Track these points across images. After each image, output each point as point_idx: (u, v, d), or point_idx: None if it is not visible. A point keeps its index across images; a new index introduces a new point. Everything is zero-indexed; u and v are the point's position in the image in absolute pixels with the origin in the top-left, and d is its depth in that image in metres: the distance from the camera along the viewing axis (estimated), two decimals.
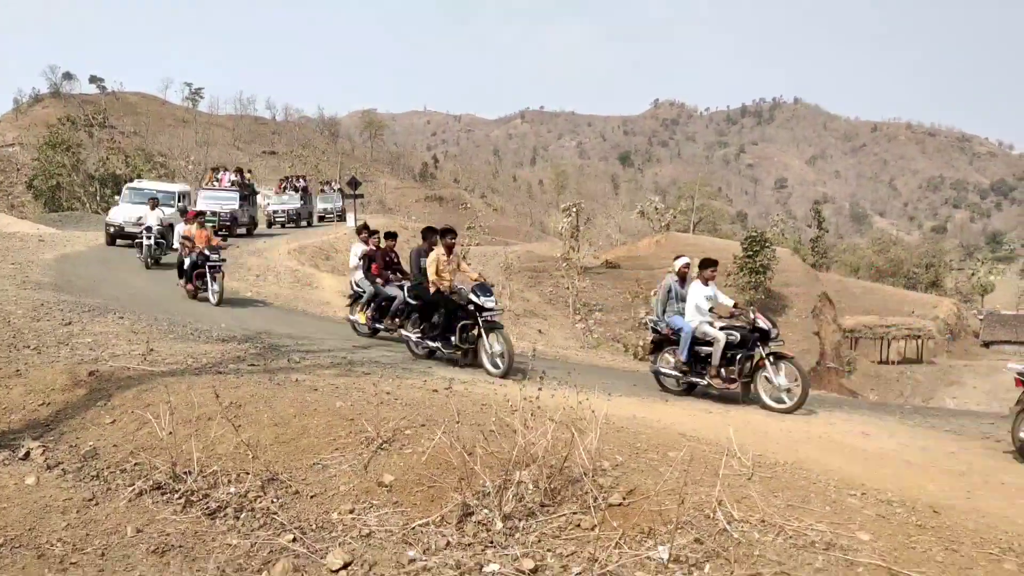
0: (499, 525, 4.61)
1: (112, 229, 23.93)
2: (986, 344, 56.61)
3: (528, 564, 4.20)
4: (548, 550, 4.40)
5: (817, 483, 5.32)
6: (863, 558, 4.18)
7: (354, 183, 35.30)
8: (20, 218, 34.87)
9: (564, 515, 4.75)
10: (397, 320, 11.73)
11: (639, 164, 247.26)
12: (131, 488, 5.21)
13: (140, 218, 21.12)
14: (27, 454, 5.80)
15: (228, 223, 29.93)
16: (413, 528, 4.67)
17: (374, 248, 12.97)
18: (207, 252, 15.81)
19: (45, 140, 51.75)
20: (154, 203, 21.30)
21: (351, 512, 4.90)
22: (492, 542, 4.48)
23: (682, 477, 4.91)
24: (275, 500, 5.04)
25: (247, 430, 5.89)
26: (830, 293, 48.97)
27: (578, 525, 4.63)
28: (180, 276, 16.25)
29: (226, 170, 35.10)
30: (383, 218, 50.09)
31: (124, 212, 24.10)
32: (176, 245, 16.86)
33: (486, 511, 4.76)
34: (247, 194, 32.72)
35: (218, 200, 30.58)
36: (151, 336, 9.43)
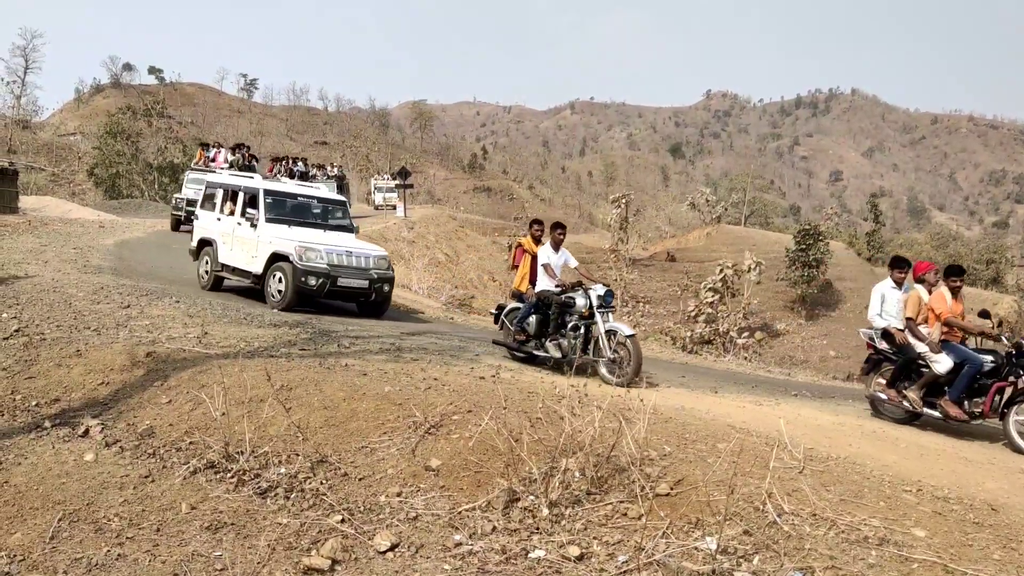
0: (545, 512, 4.61)
1: (313, 281, 11.54)
2: None
3: (574, 551, 4.19)
4: (594, 538, 4.39)
5: (871, 478, 5.21)
6: (918, 554, 4.08)
7: (404, 173, 35.59)
8: (82, 205, 35.82)
9: (611, 503, 4.72)
10: None
11: (690, 156, 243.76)
12: (186, 466, 5.34)
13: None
14: (86, 431, 5.98)
15: None
16: (459, 512, 4.70)
17: None
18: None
19: (105, 129, 52.94)
20: (554, 236, 9.62)
21: (398, 495, 4.95)
22: (538, 528, 4.48)
23: (731, 468, 4.85)
24: (324, 481, 5.11)
25: (297, 412, 5.99)
26: None
27: (625, 514, 4.61)
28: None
29: (220, 146, 27.37)
30: (431, 208, 50.36)
31: (315, 244, 11.98)
32: None
33: (532, 498, 4.76)
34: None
35: None
36: (206, 320, 9.62)
